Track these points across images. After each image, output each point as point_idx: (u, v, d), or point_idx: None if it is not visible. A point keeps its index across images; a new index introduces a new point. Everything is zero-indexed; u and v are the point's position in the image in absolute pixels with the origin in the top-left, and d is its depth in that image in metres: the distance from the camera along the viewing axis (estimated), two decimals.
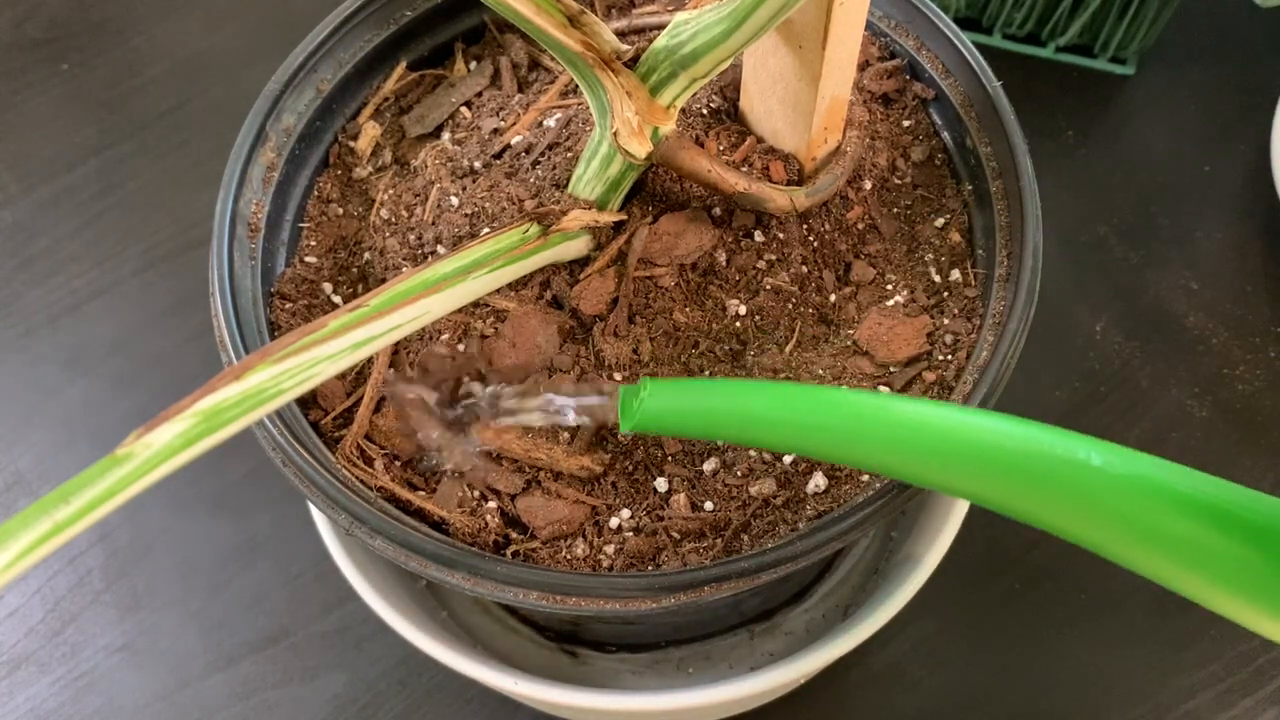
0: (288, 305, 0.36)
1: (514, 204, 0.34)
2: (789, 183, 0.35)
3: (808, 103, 0.33)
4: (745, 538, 0.32)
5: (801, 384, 0.27)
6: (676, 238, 0.34)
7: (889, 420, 0.25)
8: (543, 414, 0.29)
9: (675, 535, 0.32)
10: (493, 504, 0.33)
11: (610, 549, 0.32)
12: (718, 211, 0.35)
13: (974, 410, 0.26)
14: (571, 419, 0.28)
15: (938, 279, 0.36)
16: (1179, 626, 0.49)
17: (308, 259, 0.37)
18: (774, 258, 0.35)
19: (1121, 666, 0.49)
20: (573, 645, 0.46)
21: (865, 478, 0.32)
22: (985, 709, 0.48)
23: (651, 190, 0.35)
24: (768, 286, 0.35)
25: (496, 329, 0.34)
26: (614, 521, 0.32)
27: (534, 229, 0.32)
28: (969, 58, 0.36)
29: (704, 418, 0.27)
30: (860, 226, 0.36)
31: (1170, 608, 0.50)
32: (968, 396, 0.32)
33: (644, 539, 0.32)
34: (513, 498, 0.32)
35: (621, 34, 0.38)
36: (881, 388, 0.34)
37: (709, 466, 0.33)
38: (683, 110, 0.35)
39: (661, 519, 0.32)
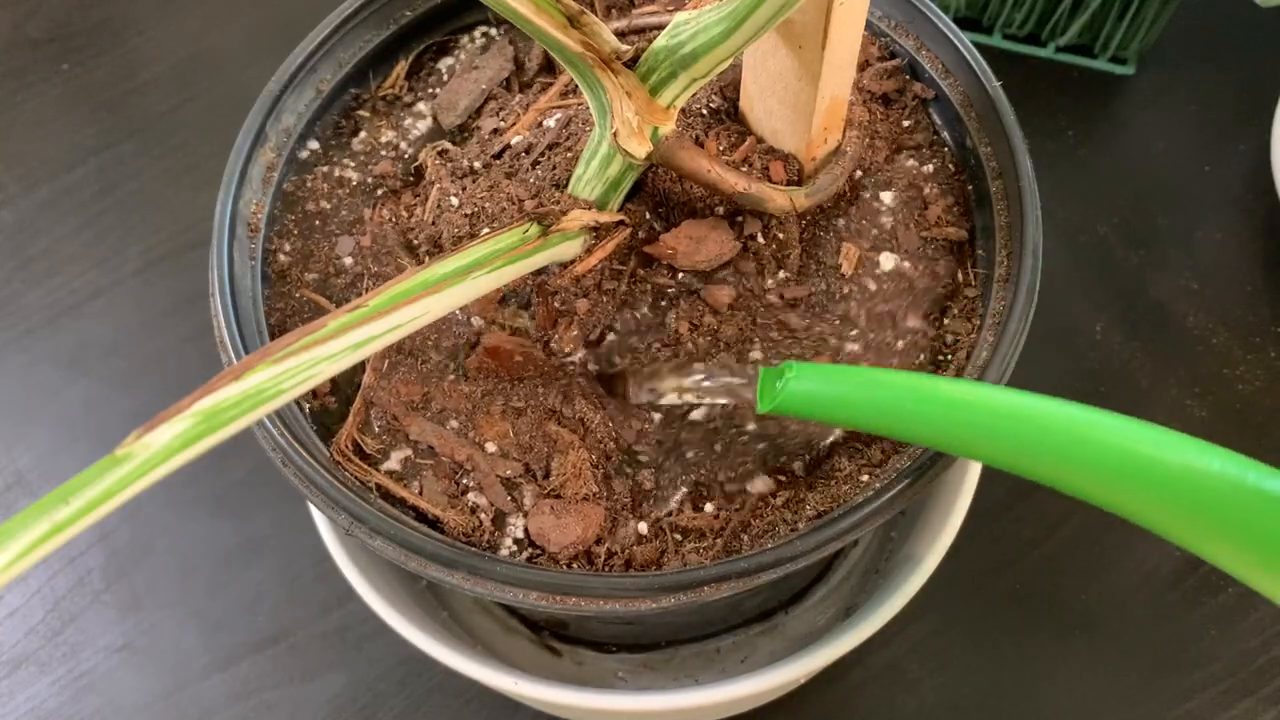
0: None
1: (514, 204, 0.34)
2: (789, 183, 0.35)
3: (807, 103, 0.33)
4: (745, 538, 0.32)
5: (946, 378, 0.26)
6: (698, 244, 0.34)
7: (1041, 426, 0.24)
8: (688, 393, 0.30)
9: (676, 536, 0.32)
10: (481, 499, 0.32)
11: (619, 546, 0.32)
12: (722, 211, 0.35)
13: (1114, 416, 0.24)
14: (715, 398, 0.30)
15: None
16: (1179, 626, 0.49)
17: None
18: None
19: (1121, 666, 0.49)
20: (572, 645, 0.46)
21: (865, 478, 0.32)
22: (985, 709, 0.48)
23: (651, 190, 0.35)
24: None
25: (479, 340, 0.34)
26: (624, 531, 0.32)
27: (534, 229, 0.32)
28: (969, 58, 0.36)
29: (846, 406, 0.27)
30: None
31: (1171, 608, 0.50)
32: None
33: (648, 543, 0.32)
34: (523, 513, 0.32)
35: (621, 34, 0.38)
36: None
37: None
38: (683, 110, 0.35)
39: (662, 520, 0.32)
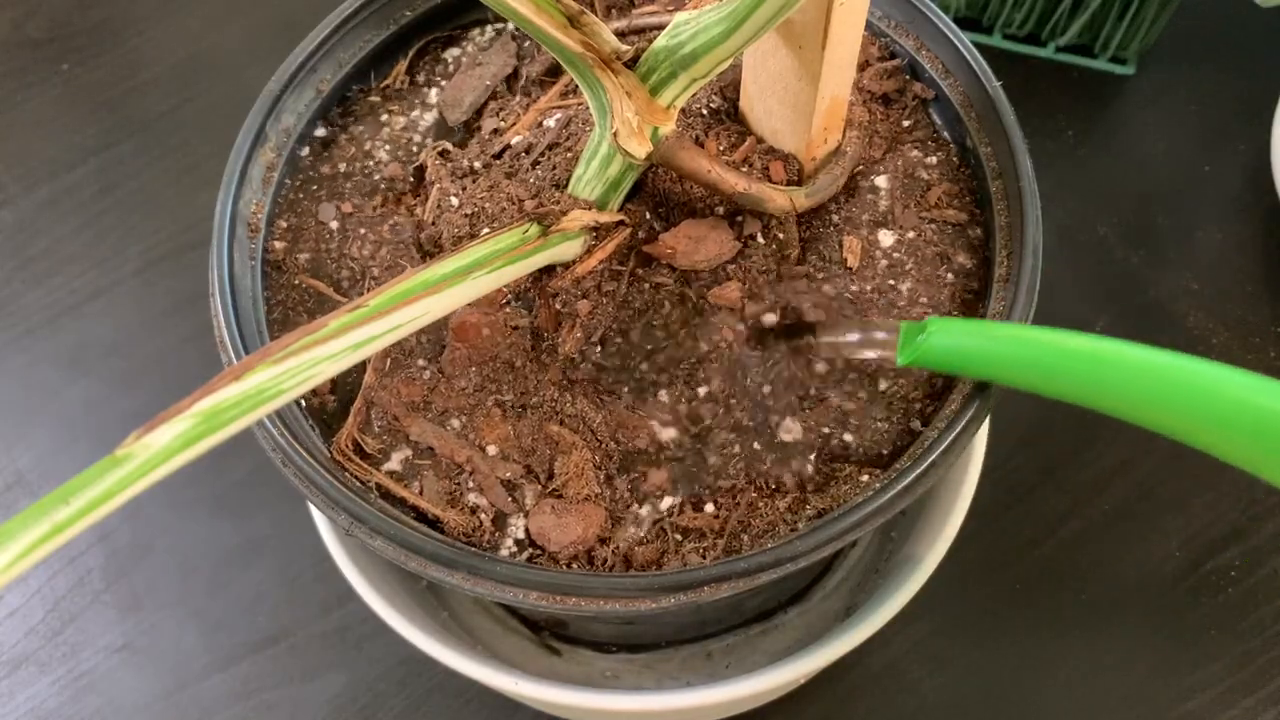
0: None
1: (514, 204, 0.34)
2: (789, 183, 0.35)
3: (807, 103, 0.33)
4: (745, 538, 0.32)
5: (1090, 335, 0.28)
6: (697, 244, 0.34)
7: (1183, 384, 0.26)
8: (827, 349, 0.32)
9: (676, 536, 0.32)
10: (482, 499, 0.32)
11: (620, 546, 0.32)
12: (721, 211, 0.35)
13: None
14: (861, 352, 0.32)
15: None
16: (1179, 626, 0.49)
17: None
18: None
19: (1121, 666, 0.49)
20: (572, 645, 0.46)
21: (865, 478, 0.32)
22: (985, 709, 0.48)
23: (651, 191, 0.35)
24: None
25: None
26: (625, 531, 0.32)
27: (534, 229, 0.32)
28: (969, 58, 0.36)
29: (985, 361, 0.29)
30: None
31: (1170, 608, 0.50)
32: (968, 396, 0.32)
33: (648, 543, 0.32)
34: (524, 513, 0.32)
35: (621, 34, 0.39)
36: None
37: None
38: (683, 110, 0.35)
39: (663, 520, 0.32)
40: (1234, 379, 0.25)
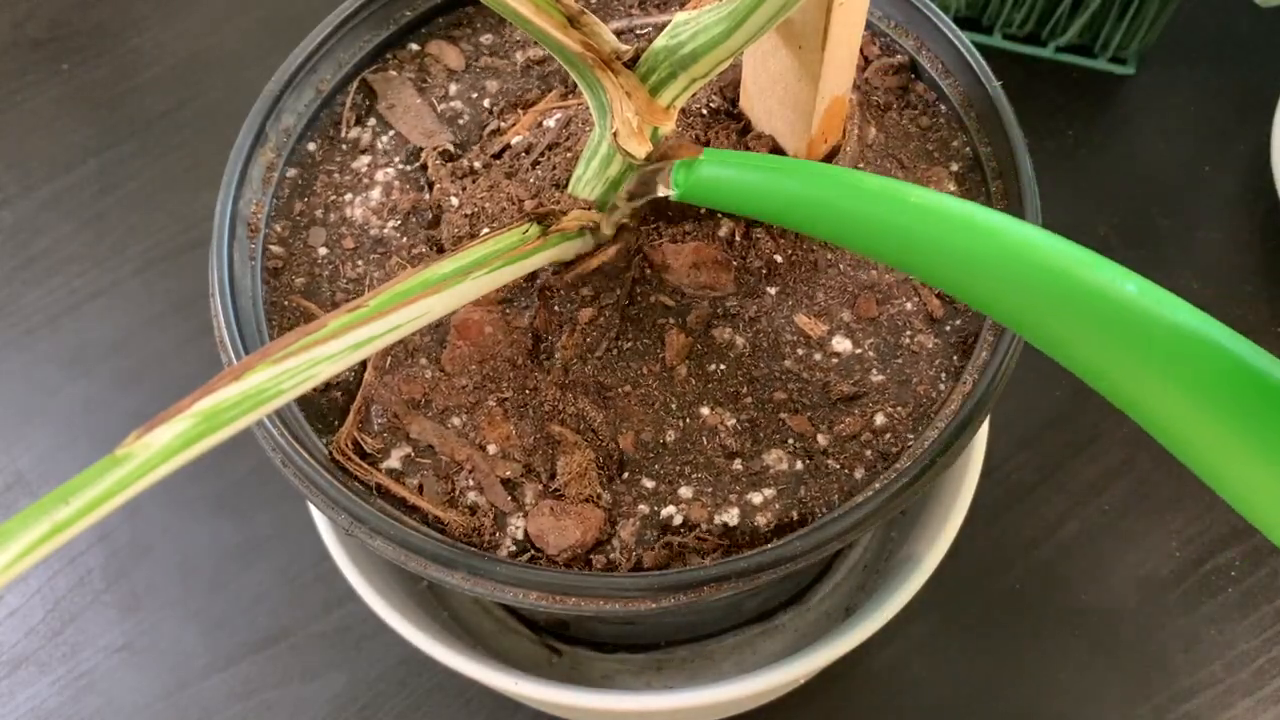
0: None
1: (514, 204, 0.34)
2: None
3: (807, 103, 0.33)
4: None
5: (855, 171, 0.27)
6: (696, 248, 0.34)
7: (932, 218, 0.24)
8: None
9: (677, 538, 0.32)
10: (481, 499, 0.32)
11: (616, 551, 0.32)
12: (719, 230, 0.35)
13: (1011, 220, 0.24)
14: (649, 194, 0.31)
15: None
16: (1179, 626, 0.49)
17: None
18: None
19: (1121, 666, 0.49)
20: (572, 645, 0.46)
21: (860, 475, 0.32)
22: (985, 708, 0.48)
23: None
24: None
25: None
26: (623, 533, 0.32)
27: (534, 229, 0.32)
28: (969, 58, 0.36)
29: (749, 193, 0.28)
30: None
31: (1170, 608, 0.50)
32: (967, 396, 0.32)
33: (648, 545, 0.32)
34: (524, 514, 0.32)
35: (621, 34, 0.39)
36: None
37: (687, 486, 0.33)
38: (683, 110, 0.35)
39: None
40: (1024, 234, 0.23)
